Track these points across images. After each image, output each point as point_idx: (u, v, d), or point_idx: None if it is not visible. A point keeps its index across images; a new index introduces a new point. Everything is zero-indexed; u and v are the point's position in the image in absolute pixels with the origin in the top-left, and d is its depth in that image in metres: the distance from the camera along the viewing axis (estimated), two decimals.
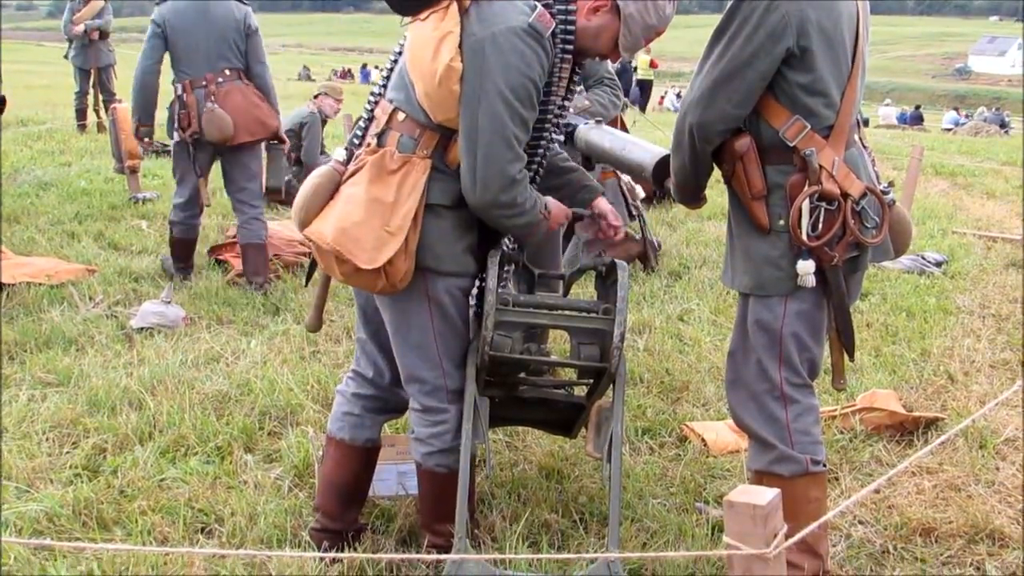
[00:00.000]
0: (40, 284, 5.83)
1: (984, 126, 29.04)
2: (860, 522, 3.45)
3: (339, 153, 2.84)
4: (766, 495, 1.83)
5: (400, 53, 2.85)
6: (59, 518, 3.29)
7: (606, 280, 3.14)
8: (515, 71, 2.61)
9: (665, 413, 4.35)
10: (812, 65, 2.62)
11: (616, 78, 4.49)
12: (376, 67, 47.78)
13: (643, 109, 22.08)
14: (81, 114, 12.87)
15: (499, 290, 2.90)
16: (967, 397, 4.67)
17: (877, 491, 3.62)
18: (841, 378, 2.98)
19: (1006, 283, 6.92)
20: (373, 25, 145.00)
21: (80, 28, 12.01)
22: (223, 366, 4.71)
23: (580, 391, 3.44)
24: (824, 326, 2.87)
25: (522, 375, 3.28)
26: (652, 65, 26.69)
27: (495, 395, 3.24)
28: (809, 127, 2.66)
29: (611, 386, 3.03)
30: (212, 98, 5.80)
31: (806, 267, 2.70)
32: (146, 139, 6.25)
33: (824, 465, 2.88)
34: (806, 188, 2.65)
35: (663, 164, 3.10)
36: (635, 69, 25.67)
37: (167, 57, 5.94)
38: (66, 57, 12.94)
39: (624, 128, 10.07)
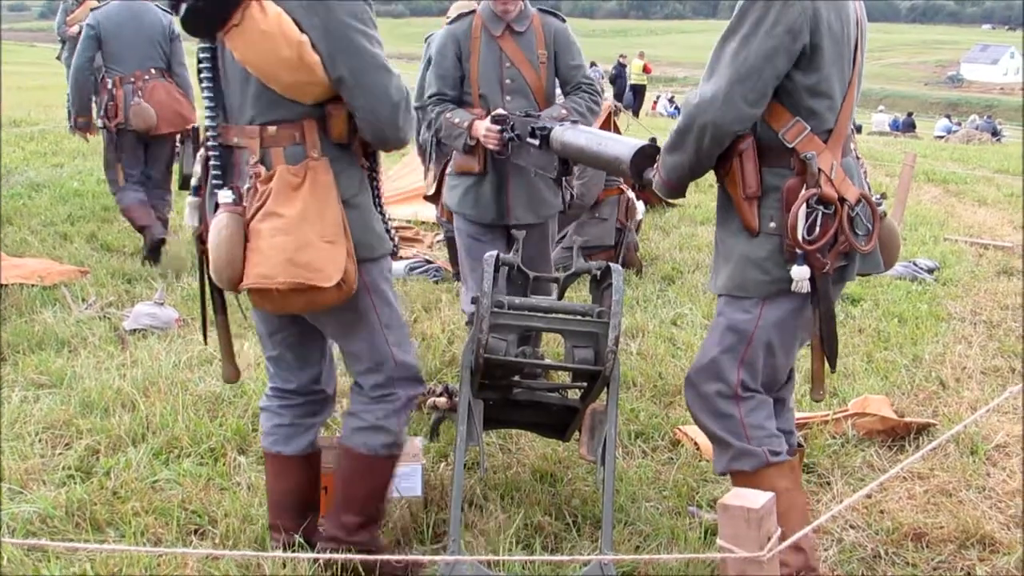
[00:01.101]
0: (33, 285, 5.83)
1: (976, 134, 29.17)
2: (852, 526, 3.47)
3: (225, 196, 2.65)
4: (760, 498, 1.84)
5: (212, 81, 2.70)
6: (52, 519, 3.28)
7: (600, 284, 3.16)
8: (347, 5, 2.60)
9: (658, 417, 4.36)
10: (819, 64, 2.62)
11: (594, 82, 4.40)
12: None
13: (636, 114, 22.13)
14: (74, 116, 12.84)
15: (493, 293, 2.91)
16: (958, 403, 4.69)
17: (869, 496, 3.64)
18: (820, 388, 2.93)
19: (997, 290, 6.95)
20: None
21: (75, 29, 11.95)
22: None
23: (574, 394, 3.46)
24: (797, 338, 2.87)
25: (516, 378, 3.29)
26: (645, 70, 26.74)
27: (489, 398, 3.25)
28: (809, 129, 2.66)
29: (605, 389, 3.05)
30: (139, 93, 6.59)
31: (801, 272, 2.68)
32: (83, 129, 6.96)
33: (788, 454, 2.89)
34: (804, 191, 2.64)
35: (641, 154, 3.01)
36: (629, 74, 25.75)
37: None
38: (58, 58, 12.91)
39: (617, 131, 10.14)
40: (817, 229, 2.66)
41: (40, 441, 3.87)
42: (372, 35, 2.64)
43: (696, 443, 4.02)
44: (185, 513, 3.35)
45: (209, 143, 2.74)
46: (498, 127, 4.00)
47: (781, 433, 2.92)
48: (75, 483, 3.54)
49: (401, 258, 7.18)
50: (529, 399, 3.36)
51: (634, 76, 26.13)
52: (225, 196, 2.65)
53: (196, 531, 3.29)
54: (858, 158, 2.88)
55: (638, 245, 7.36)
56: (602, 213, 7.07)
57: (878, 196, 2.85)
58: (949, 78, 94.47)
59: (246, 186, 2.66)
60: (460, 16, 4.37)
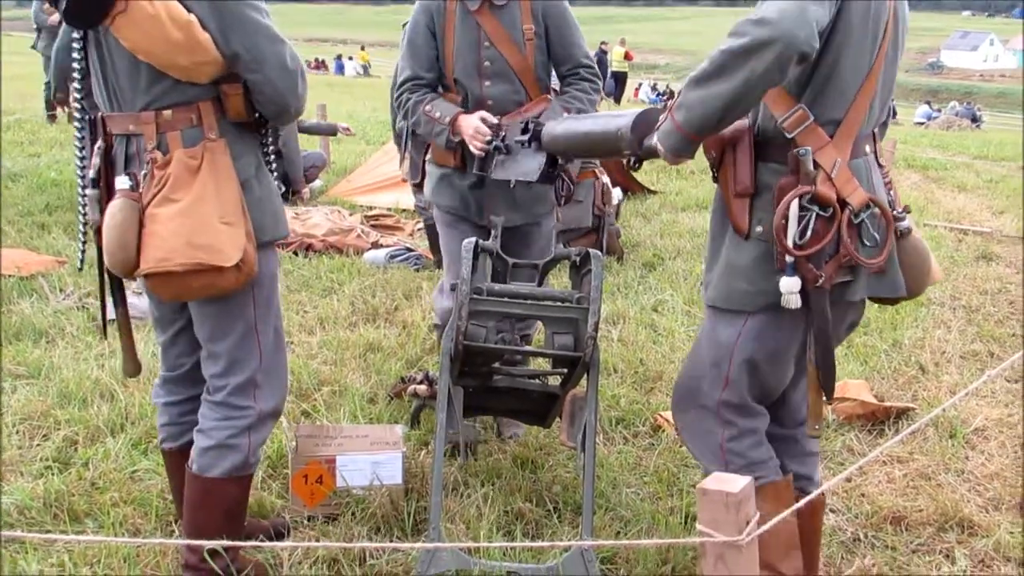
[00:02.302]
0: (10, 276, 5.78)
1: (956, 120, 29.32)
2: (832, 510, 3.48)
3: (123, 182, 2.61)
4: (738, 483, 1.84)
5: (100, 69, 2.65)
6: (30, 510, 3.26)
7: (580, 270, 3.15)
8: None
9: (639, 403, 4.36)
10: (836, 43, 2.32)
11: (595, 65, 3.81)
12: (350, 58, 47.55)
13: (618, 101, 22.14)
14: (51, 104, 12.76)
15: (472, 279, 2.90)
16: (937, 387, 4.72)
17: (848, 480, 3.66)
18: (816, 421, 2.56)
19: (976, 275, 6.99)
20: (347, 15, 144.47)
21: (56, 17, 11.89)
22: None
23: (555, 381, 3.45)
24: (790, 353, 2.55)
25: (496, 364, 3.29)
26: (627, 57, 26.75)
27: (469, 385, 3.24)
28: (812, 119, 2.36)
29: (585, 375, 3.05)
30: None
31: (790, 284, 2.38)
32: (62, 103, 7.08)
33: (771, 478, 2.61)
34: (797, 188, 2.36)
35: (644, 119, 2.72)
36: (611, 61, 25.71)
37: None
38: (34, 47, 12.83)
39: None
40: (809, 234, 2.36)
41: (17, 432, 3.84)
42: (260, 6, 2.58)
43: (677, 429, 4.03)
44: (164, 503, 3.33)
45: (77, 134, 2.70)
46: (487, 132, 3.51)
47: (772, 459, 2.64)
48: (53, 474, 3.51)
49: (381, 246, 7.18)
50: (509, 386, 3.36)
51: (615, 63, 26.12)
52: (122, 182, 2.61)
53: (176, 521, 3.27)
54: (881, 165, 2.54)
55: (620, 232, 7.35)
56: (577, 195, 7.04)
57: (899, 210, 2.50)
58: (929, 65, 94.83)
59: (143, 172, 2.61)
60: None
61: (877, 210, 2.42)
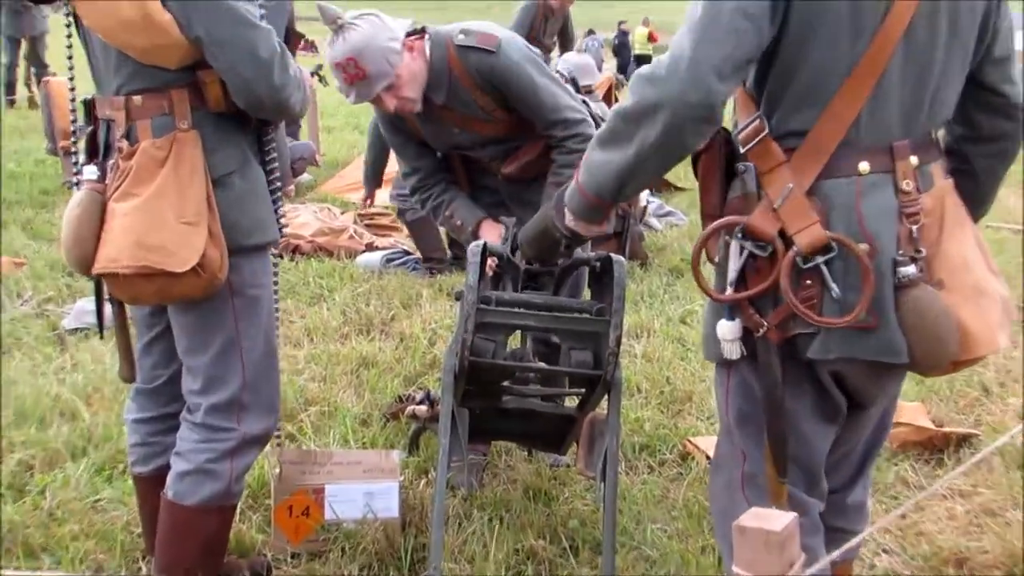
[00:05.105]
0: None
1: None
2: (885, 551, 3.44)
3: (90, 172, 2.67)
4: (782, 519, 1.81)
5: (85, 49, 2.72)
6: None
7: (600, 277, 3.12)
8: None
9: (666, 427, 4.34)
10: (791, 38, 2.08)
11: (575, 118, 3.51)
12: None
13: None
14: (10, 88, 12.85)
15: (480, 287, 2.87)
16: (1003, 411, 4.68)
17: (904, 516, 3.62)
18: (775, 500, 2.27)
19: None
20: None
21: None
22: None
23: (571, 402, 3.43)
24: (796, 415, 2.29)
25: (506, 383, 3.26)
26: (651, 39, 26.80)
27: (475, 406, 3.21)
28: (767, 131, 2.12)
29: (605, 396, 3.01)
30: None
31: (726, 330, 2.20)
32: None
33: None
34: (721, 218, 2.17)
35: (560, 198, 2.65)
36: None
37: None
38: None
39: None
40: (741, 273, 2.17)
41: None
42: None
43: (708, 457, 4.00)
44: (130, 537, 3.31)
45: (71, 118, 2.78)
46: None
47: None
48: (5, 503, 3.50)
49: (376, 248, 7.17)
50: (520, 408, 3.33)
51: (638, 45, 26.21)
52: (89, 172, 2.67)
53: (143, 557, 3.25)
54: (902, 191, 2.13)
55: (643, 235, 7.34)
56: None
57: (901, 253, 2.11)
58: None
59: (111, 162, 2.65)
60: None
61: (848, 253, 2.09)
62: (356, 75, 3.35)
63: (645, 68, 2.09)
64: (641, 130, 2.07)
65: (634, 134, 2.09)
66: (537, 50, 3.65)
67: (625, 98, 2.13)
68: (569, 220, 2.43)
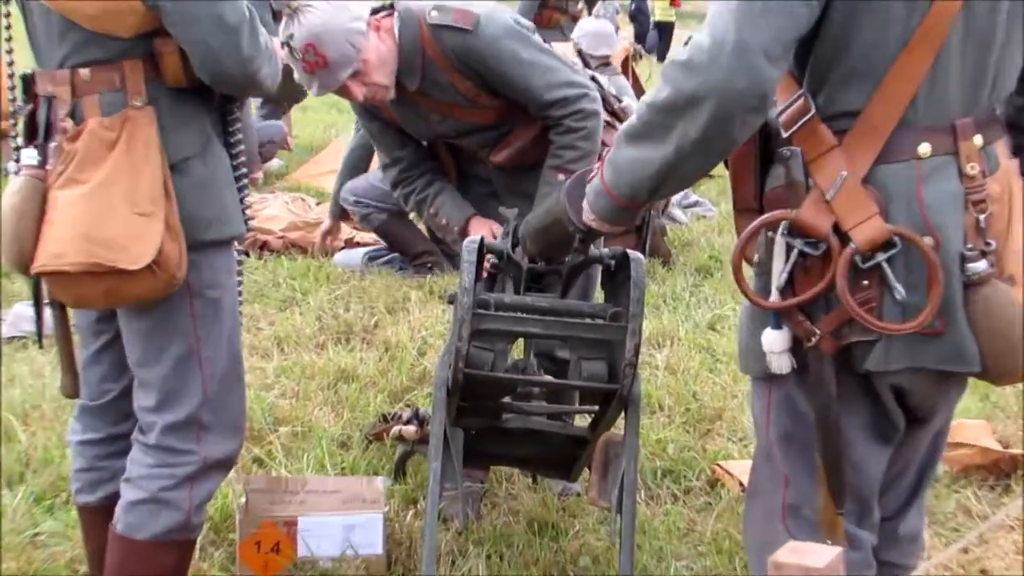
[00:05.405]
0: None
1: None
2: None
3: (29, 156, 2.65)
4: (824, 555, 1.81)
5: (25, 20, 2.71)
6: None
7: (615, 277, 3.12)
8: None
9: (692, 450, 4.35)
10: (839, 10, 2.08)
11: (572, 96, 3.49)
12: None
13: (661, 58, 22.10)
14: None
15: (476, 289, 2.88)
16: None
17: (965, 551, 3.62)
18: (830, 534, 2.26)
19: None
20: None
21: None
22: None
23: (582, 420, 3.43)
24: (848, 433, 2.27)
25: (506, 400, 3.26)
26: (673, 3, 26.81)
27: (471, 426, 3.22)
28: (814, 111, 2.12)
29: (622, 414, 3.02)
30: None
31: (773, 340, 2.20)
32: None
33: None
34: (759, 211, 2.20)
35: (572, 188, 2.63)
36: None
37: None
38: None
39: (636, 82, 10.12)
40: (792, 274, 2.16)
41: None
42: None
43: (741, 483, 4.00)
44: None
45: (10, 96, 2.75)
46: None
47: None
48: None
49: (357, 244, 7.17)
50: (523, 427, 3.33)
51: (659, 12, 26.23)
52: (28, 156, 2.64)
53: None
54: (966, 176, 2.12)
55: (666, 228, 7.35)
56: None
57: (969, 247, 2.10)
58: None
59: (53, 144, 2.63)
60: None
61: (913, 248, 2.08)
62: (316, 63, 3.36)
63: (680, 53, 2.08)
64: (680, 124, 2.06)
65: (672, 128, 2.08)
66: (528, 22, 3.64)
67: (657, 88, 2.11)
68: (590, 218, 2.42)
